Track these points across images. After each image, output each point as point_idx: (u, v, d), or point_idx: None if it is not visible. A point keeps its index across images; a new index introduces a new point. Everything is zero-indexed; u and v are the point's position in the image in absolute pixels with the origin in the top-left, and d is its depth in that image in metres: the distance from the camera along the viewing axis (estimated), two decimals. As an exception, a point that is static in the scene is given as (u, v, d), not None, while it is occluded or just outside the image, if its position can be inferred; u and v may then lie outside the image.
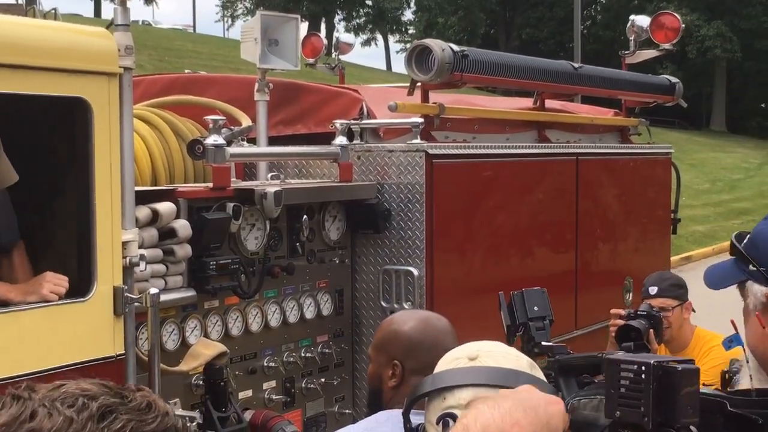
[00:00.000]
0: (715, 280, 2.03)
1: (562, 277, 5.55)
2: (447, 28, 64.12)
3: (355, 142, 4.57)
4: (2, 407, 1.20)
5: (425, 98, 4.74)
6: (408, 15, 66.65)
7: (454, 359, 1.84)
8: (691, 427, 1.59)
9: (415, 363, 2.53)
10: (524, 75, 5.18)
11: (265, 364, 4.15)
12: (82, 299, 3.24)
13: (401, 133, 4.71)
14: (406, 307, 4.42)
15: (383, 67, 73.32)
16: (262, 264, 4.09)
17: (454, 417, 1.71)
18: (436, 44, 4.52)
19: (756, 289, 1.92)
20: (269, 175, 4.53)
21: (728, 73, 62.56)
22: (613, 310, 3.96)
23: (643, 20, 6.61)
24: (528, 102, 6.02)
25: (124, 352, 3.32)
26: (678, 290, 4.51)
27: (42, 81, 3.11)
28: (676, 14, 6.69)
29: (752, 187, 33.21)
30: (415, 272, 4.43)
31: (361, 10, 56.03)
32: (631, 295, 6.22)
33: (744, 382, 1.93)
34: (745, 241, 1.97)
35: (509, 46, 66.72)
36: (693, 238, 21.85)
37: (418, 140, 4.50)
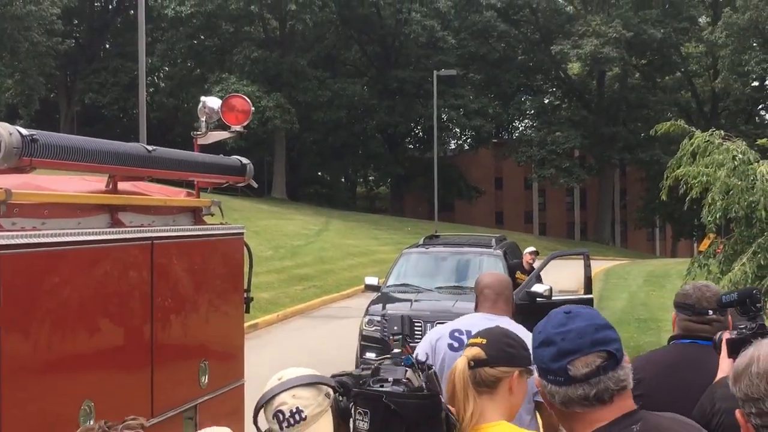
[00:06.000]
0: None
1: (138, 363, 5.41)
2: (3, 91, 61.35)
3: None
4: None
5: (-10, 183, 4.44)
6: (-41, 75, 62.99)
7: (271, 382, 3.02)
8: None
9: None
10: (97, 159, 5.02)
11: None
12: None
13: (-36, 222, 4.37)
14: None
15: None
16: None
17: (282, 412, 2.94)
18: (2, 128, 4.25)
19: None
20: None
21: (287, 143, 65.51)
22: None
23: (214, 102, 6.70)
24: (101, 179, 5.84)
25: None
26: None
27: None
28: (246, 97, 6.86)
29: (312, 253, 34.79)
30: (-21, 372, 4.09)
31: None
32: (207, 377, 6.20)
33: None
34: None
35: (70, 111, 65.31)
36: (258, 306, 22.35)
37: (-17, 230, 4.19)
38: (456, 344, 5.09)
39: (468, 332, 5.00)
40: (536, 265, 17.07)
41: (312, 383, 2.99)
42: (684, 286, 4.79)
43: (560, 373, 2.52)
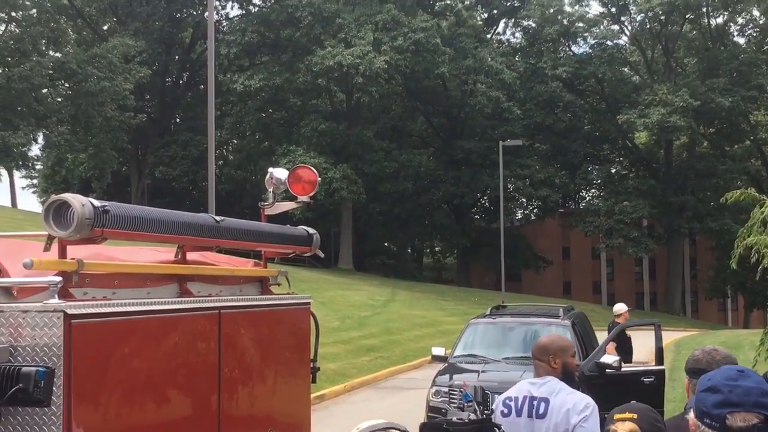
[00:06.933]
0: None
1: (206, 431, 5.43)
2: (77, 164, 62.81)
3: (-15, 301, 4.26)
4: None
5: (63, 254, 4.53)
6: (35, 150, 64.66)
7: None
8: None
9: None
10: (166, 229, 5.10)
11: None
12: None
13: (38, 291, 4.45)
14: (40, 478, 4.12)
15: (8, 202, 70.27)
16: None
17: None
18: (75, 199, 4.36)
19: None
20: None
21: (354, 214, 65.78)
22: None
23: (281, 173, 6.77)
24: (170, 250, 5.93)
25: None
26: None
27: None
28: (312, 168, 6.93)
29: (379, 324, 34.64)
30: (52, 441, 4.14)
31: (-17, 143, 53.50)
32: (274, 447, 6.20)
33: None
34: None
35: (141, 183, 66.48)
36: (325, 377, 22.27)
37: (56, 299, 4.27)
38: (506, 410, 5.49)
39: (515, 398, 5.49)
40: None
41: (386, 428, 3.54)
42: (693, 352, 4.85)
43: (717, 420, 2.75)
